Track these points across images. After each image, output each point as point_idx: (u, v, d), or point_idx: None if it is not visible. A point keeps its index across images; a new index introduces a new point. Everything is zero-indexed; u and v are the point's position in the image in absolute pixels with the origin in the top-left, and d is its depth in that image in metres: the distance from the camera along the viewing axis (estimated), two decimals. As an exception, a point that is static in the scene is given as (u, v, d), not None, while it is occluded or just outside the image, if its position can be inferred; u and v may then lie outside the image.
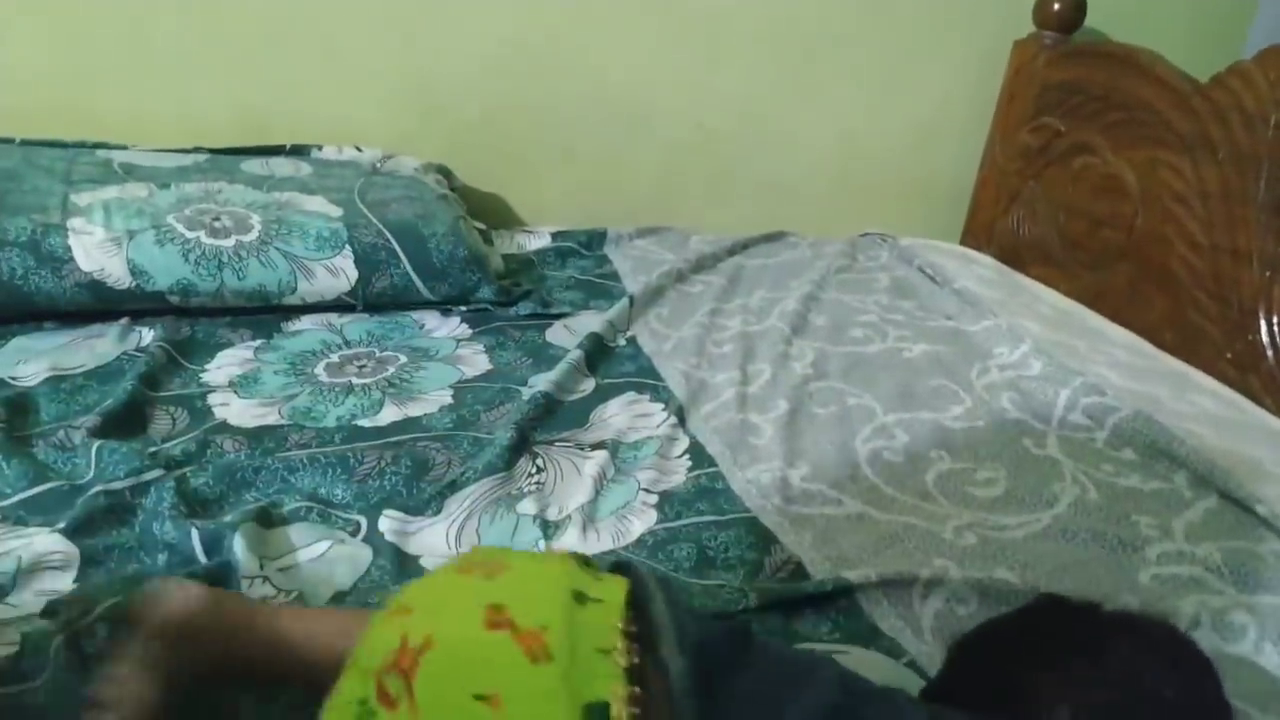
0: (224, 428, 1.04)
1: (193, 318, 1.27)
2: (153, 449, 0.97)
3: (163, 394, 1.10)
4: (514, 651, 0.48)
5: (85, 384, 1.09)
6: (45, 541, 0.81)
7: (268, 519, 0.88)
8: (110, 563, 0.81)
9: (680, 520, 0.96)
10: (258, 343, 1.25)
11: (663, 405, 1.17)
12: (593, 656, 0.49)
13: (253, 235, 1.28)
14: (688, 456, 1.08)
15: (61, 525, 0.83)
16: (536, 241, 1.71)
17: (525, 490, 0.98)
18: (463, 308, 1.40)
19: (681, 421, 1.14)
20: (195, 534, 0.83)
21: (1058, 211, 1.75)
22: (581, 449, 1.07)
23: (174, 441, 1.00)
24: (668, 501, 0.99)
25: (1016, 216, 1.85)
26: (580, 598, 0.53)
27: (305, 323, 1.32)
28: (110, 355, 1.16)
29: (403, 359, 1.24)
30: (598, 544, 0.91)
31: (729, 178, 1.90)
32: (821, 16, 1.79)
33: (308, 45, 1.61)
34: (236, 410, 1.08)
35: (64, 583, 0.78)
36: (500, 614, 0.50)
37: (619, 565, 0.65)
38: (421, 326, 1.35)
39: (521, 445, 1.05)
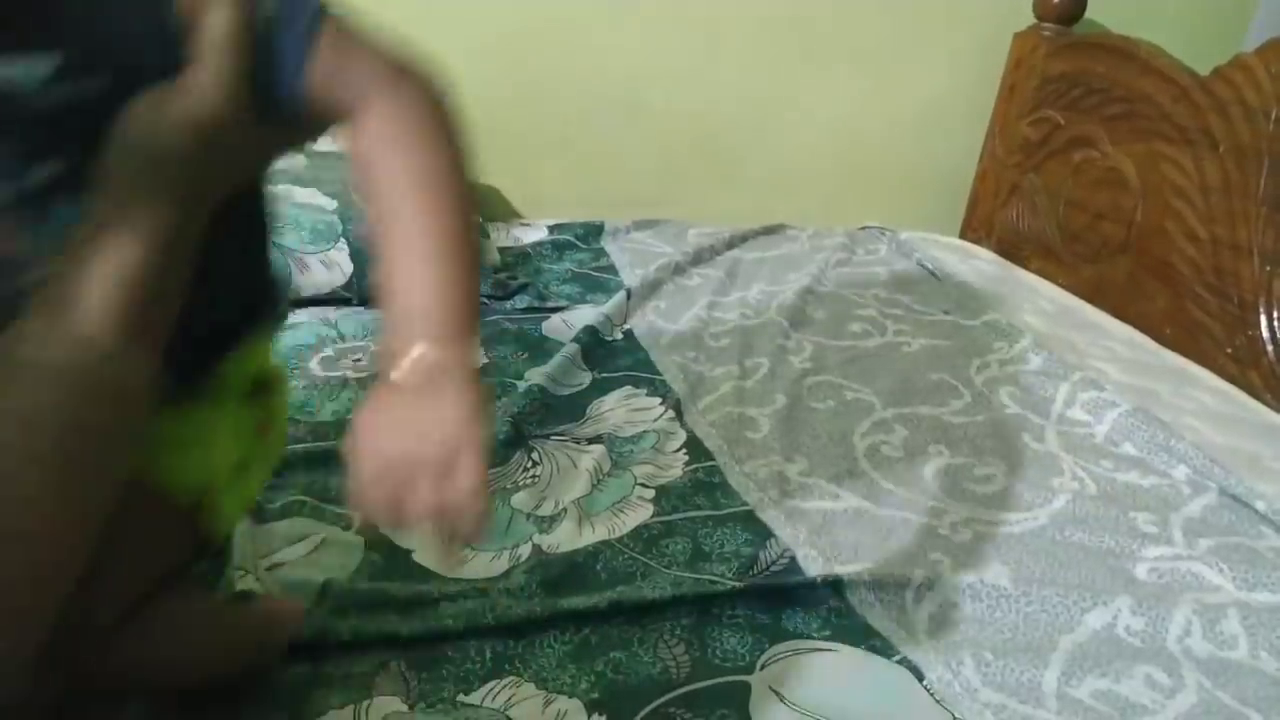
0: (218, 421, 1.04)
1: (187, 310, 1.26)
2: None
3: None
4: None
5: (78, 377, 1.08)
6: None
7: (260, 513, 0.87)
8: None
9: (676, 514, 0.95)
10: (252, 335, 1.24)
11: (660, 399, 1.17)
12: None
13: (247, 227, 1.27)
14: (685, 450, 1.07)
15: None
16: (533, 234, 1.70)
17: (520, 484, 0.98)
18: (459, 301, 1.39)
19: (679, 415, 1.14)
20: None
21: (1057, 204, 1.74)
22: (578, 443, 1.06)
23: (167, 435, 0.99)
24: (664, 495, 0.98)
25: (1016, 209, 1.85)
26: None
27: (300, 316, 1.30)
28: (103, 348, 1.15)
29: (398, 352, 1.23)
30: (593, 537, 0.91)
31: (727, 170, 1.89)
32: (820, 8, 1.78)
33: (303, 36, 1.59)
34: (230, 403, 1.08)
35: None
36: None
37: None
38: (417, 319, 1.34)
39: (517, 439, 1.04)
